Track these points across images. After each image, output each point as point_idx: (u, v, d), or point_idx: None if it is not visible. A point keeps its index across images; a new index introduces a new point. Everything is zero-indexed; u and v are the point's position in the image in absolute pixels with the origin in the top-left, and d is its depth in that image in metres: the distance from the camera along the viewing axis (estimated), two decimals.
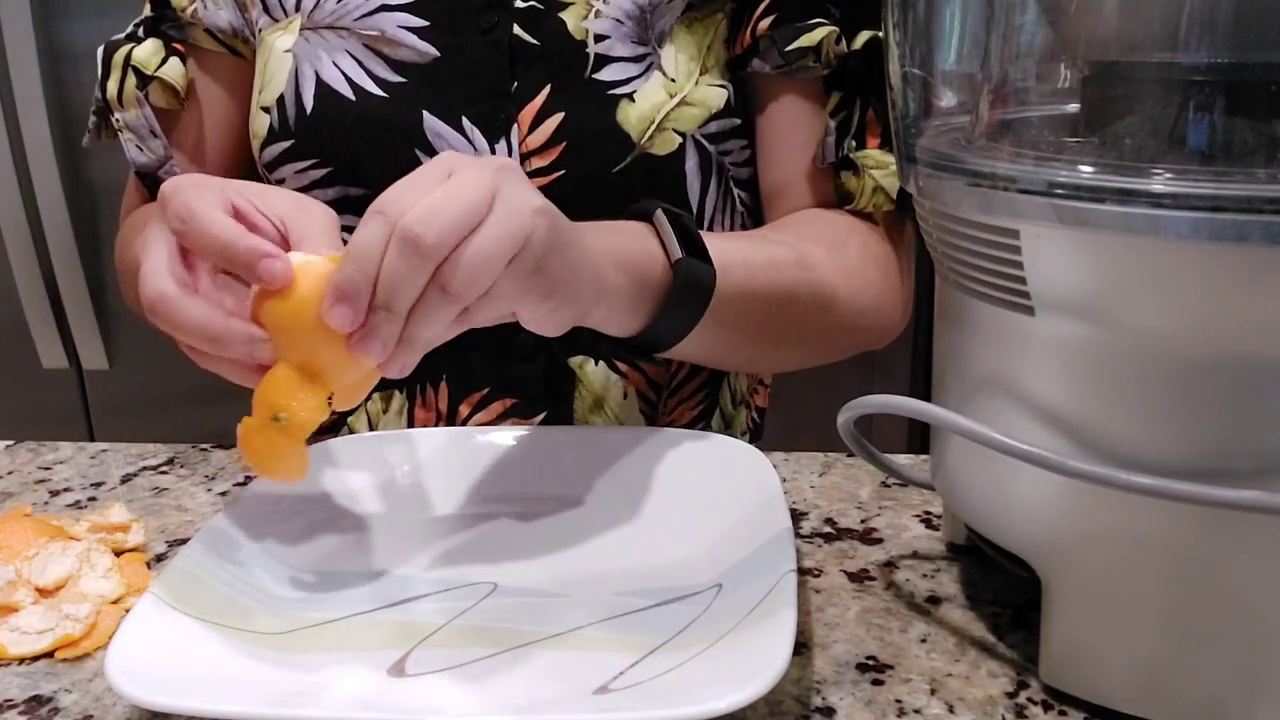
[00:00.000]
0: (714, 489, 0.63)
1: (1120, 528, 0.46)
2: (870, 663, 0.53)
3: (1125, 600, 0.46)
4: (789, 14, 0.75)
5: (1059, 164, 0.45)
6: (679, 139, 0.76)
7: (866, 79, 0.76)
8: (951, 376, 0.53)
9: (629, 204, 0.68)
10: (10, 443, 0.83)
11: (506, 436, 0.69)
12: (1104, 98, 0.48)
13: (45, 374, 1.78)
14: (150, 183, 0.83)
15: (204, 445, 0.81)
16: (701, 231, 0.66)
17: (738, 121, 0.78)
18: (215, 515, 0.60)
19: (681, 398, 0.84)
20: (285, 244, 0.54)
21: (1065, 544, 0.48)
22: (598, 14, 0.75)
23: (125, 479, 0.76)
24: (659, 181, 0.76)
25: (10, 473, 0.77)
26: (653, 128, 0.75)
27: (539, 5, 0.76)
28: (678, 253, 0.63)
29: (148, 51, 0.80)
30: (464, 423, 0.79)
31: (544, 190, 0.59)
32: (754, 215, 0.83)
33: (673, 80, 0.76)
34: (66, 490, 0.74)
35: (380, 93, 0.75)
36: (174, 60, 0.80)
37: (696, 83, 0.76)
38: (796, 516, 0.68)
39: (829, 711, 0.50)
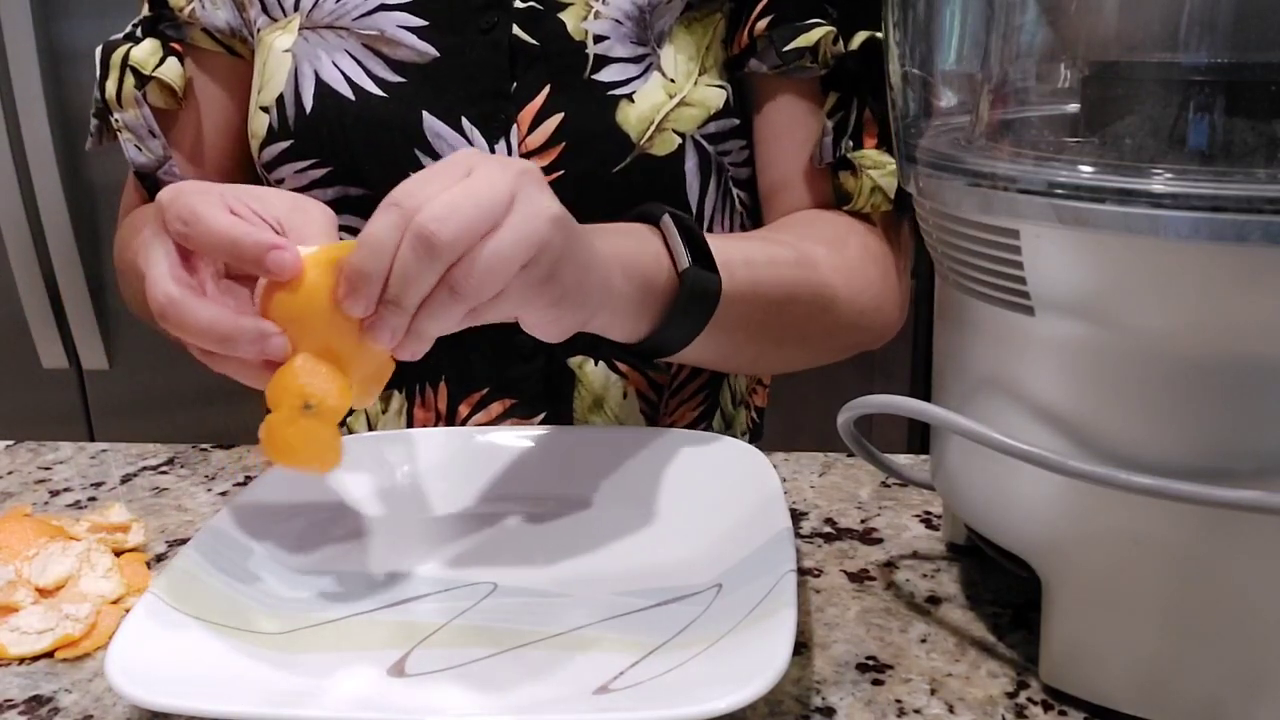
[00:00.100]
0: (714, 489, 0.63)
1: (1120, 528, 0.46)
2: (870, 663, 0.53)
3: (1125, 600, 0.46)
4: (787, 14, 0.75)
5: (1059, 164, 0.45)
6: (678, 139, 0.76)
7: (864, 79, 0.76)
8: (951, 376, 0.53)
9: (629, 204, 0.68)
10: (10, 443, 0.83)
11: (506, 436, 0.69)
12: (1104, 98, 0.48)
13: (45, 374, 1.78)
14: (149, 183, 0.83)
15: (204, 445, 0.81)
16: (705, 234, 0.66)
17: (737, 122, 0.78)
18: (215, 515, 0.60)
19: (682, 398, 0.84)
20: None
21: (1065, 544, 0.48)
22: (597, 15, 0.75)
23: (125, 479, 0.76)
24: (658, 182, 0.76)
25: (10, 473, 0.77)
26: (652, 128, 0.75)
27: (538, 6, 0.76)
28: (685, 262, 0.63)
29: (145, 51, 0.80)
30: (463, 423, 0.79)
31: None
32: (753, 215, 0.83)
33: (672, 81, 0.76)
34: (66, 490, 0.74)
35: (380, 92, 0.75)
36: (172, 60, 0.80)
37: (695, 83, 0.76)
38: (796, 516, 0.68)
39: (829, 711, 0.50)
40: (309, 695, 0.49)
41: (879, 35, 0.75)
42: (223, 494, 0.73)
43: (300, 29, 0.77)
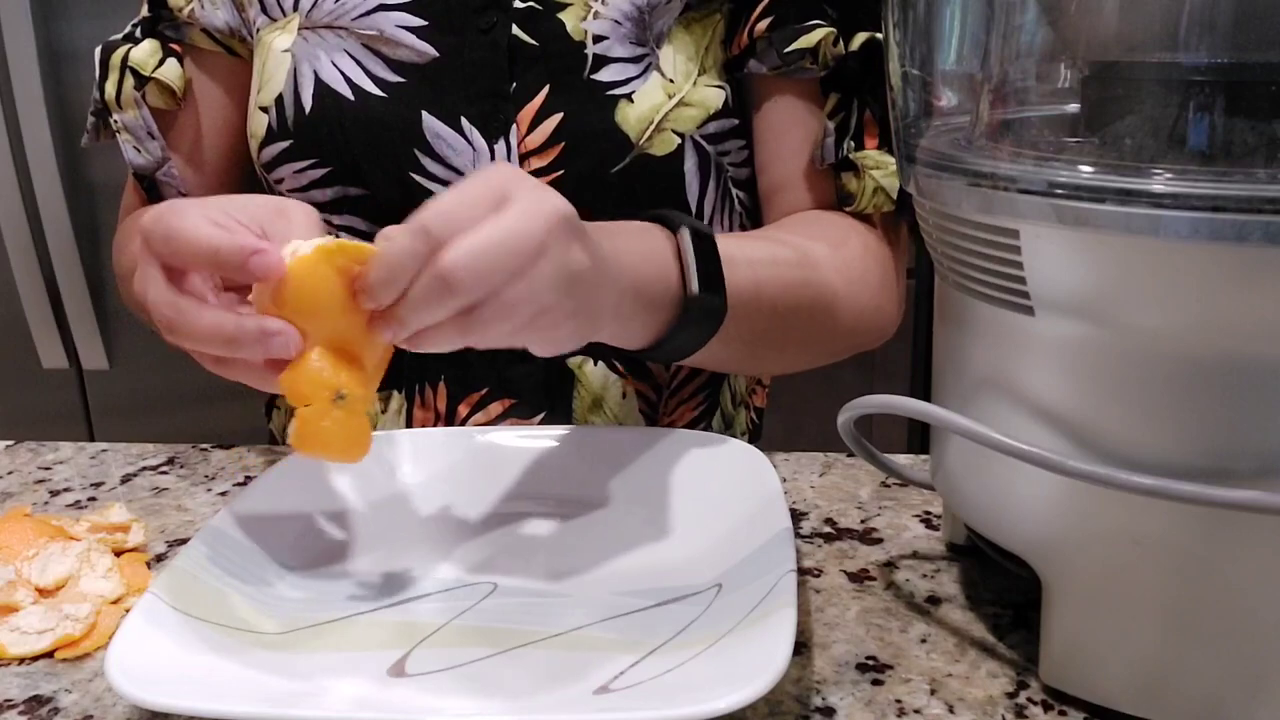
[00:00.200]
0: (714, 489, 0.63)
1: (1120, 528, 0.46)
2: (870, 663, 0.53)
3: (1125, 600, 0.46)
4: (786, 15, 0.75)
5: (1059, 164, 0.45)
6: (678, 139, 0.76)
7: (864, 80, 0.76)
8: (951, 376, 0.53)
9: (628, 204, 0.67)
10: (10, 443, 0.83)
11: (506, 437, 0.69)
12: (1104, 98, 0.48)
13: (45, 374, 1.78)
14: (148, 185, 0.83)
15: (204, 445, 0.81)
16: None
17: (736, 122, 0.78)
18: (215, 515, 0.60)
19: (681, 398, 0.84)
20: None
21: (1065, 544, 0.48)
22: (596, 15, 0.75)
23: (125, 479, 0.76)
24: (658, 182, 0.76)
25: (10, 473, 0.77)
26: (651, 128, 0.75)
27: (538, 6, 0.76)
28: (695, 288, 0.62)
29: (145, 52, 0.80)
30: (463, 423, 0.79)
31: None
32: (753, 216, 0.83)
33: (671, 81, 0.76)
34: (66, 490, 0.74)
35: (379, 93, 0.75)
36: (171, 61, 0.80)
37: (695, 83, 0.76)
38: (796, 516, 0.68)
39: (829, 711, 0.50)
40: (309, 695, 0.49)
41: (879, 36, 0.75)
42: (223, 494, 0.73)
43: (299, 29, 0.77)
